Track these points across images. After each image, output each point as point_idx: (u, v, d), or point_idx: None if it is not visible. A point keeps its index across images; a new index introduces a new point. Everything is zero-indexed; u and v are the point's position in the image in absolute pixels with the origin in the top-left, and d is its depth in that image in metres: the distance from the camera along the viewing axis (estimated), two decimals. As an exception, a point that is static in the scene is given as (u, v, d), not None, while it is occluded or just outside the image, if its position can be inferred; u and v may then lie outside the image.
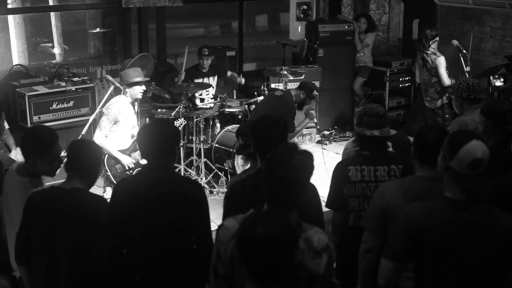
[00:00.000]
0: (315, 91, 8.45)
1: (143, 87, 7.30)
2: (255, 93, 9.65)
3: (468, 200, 3.42)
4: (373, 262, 4.20)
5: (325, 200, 4.76)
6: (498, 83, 8.84)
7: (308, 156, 3.35)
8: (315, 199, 4.17)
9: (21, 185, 4.51)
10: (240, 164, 8.67)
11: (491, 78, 7.06)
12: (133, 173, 6.98)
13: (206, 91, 9.70)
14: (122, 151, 7.05)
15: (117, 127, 7.06)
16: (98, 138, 7.05)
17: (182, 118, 8.45)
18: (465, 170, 3.39)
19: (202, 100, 9.71)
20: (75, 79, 9.00)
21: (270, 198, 3.31)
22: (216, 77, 9.81)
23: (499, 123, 5.25)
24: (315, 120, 8.73)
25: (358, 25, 11.43)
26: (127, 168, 6.99)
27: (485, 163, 3.39)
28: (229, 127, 9.19)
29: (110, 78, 7.45)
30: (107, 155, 7.10)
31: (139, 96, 7.29)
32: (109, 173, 7.08)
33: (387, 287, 3.61)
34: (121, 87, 7.23)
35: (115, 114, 7.00)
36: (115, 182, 7.00)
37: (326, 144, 10.40)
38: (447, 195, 3.51)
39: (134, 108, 7.35)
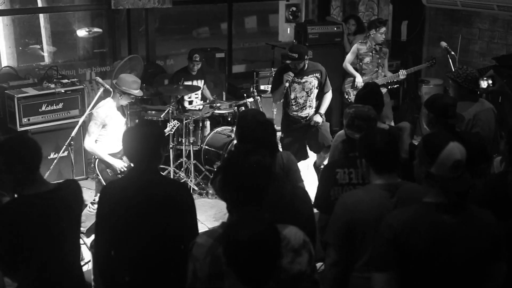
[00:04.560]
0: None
1: (133, 99, 7.31)
2: (245, 94, 9.66)
3: (449, 203, 3.43)
4: (339, 275, 4.12)
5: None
6: (486, 84, 8.89)
7: (263, 154, 3.39)
8: (304, 205, 4.17)
9: None
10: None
11: (479, 80, 7.10)
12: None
13: (195, 93, 9.70)
14: (113, 155, 7.02)
15: (105, 130, 7.02)
16: (88, 143, 7.02)
17: (175, 121, 8.43)
18: (446, 173, 3.41)
19: (190, 102, 9.71)
20: (65, 81, 8.99)
21: (237, 203, 3.32)
22: (203, 81, 9.83)
23: (440, 116, 5.37)
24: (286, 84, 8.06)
25: (347, 27, 11.44)
26: (119, 171, 6.95)
27: (464, 163, 3.42)
28: (219, 129, 9.21)
29: (99, 80, 7.43)
30: (97, 159, 7.08)
31: (125, 104, 7.27)
32: (100, 177, 7.04)
33: None
34: (110, 89, 7.22)
35: (102, 118, 6.96)
36: (104, 185, 6.95)
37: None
38: (427, 200, 3.50)
39: (124, 110, 7.30)
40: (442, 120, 5.37)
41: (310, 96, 8.16)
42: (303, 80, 8.09)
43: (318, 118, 8.21)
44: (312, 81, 8.09)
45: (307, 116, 8.23)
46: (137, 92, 7.18)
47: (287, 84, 8.03)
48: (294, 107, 8.17)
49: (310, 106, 8.23)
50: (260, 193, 3.33)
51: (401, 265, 3.40)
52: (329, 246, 4.20)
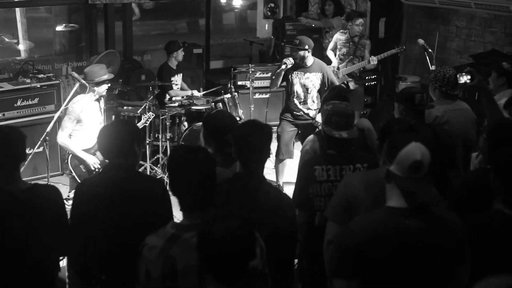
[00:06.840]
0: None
1: (109, 84, 7.24)
2: (222, 91, 9.62)
3: (411, 207, 3.31)
4: None
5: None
6: (465, 79, 8.86)
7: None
8: (290, 210, 4.15)
9: None
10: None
11: (458, 75, 7.07)
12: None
13: (177, 87, 9.70)
14: (87, 150, 6.96)
15: (80, 126, 6.95)
16: (61, 138, 6.94)
17: (150, 112, 8.36)
18: (405, 173, 3.29)
19: (170, 98, 9.66)
20: (40, 75, 8.92)
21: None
22: (181, 75, 9.82)
23: (408, 104, 5.39)
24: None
25: (325, 9, 11.45)
26: (92, 168, 6.89)
27: (425, 166, 3.28)
28: (196, 125, 9.17)
29: (75, 75, 7.36)
30: (71, 155, 7.00)
31: (105, 93, 7.22)
32: (74, 174, 6.96)
33: None
34: (86, 84, 7.15)
35: (76, 113, 6.90)
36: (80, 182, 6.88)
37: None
38: (389, 204, 3.39)
39: (100, 105, 7.24)
40: (411, 107, 5.37)
41: (309, 94, 8.10)
42: (305, 76, 8.08)
43: (320, 119, 8.01)
44: (314, 79, 8.05)
45: (307, 114, 8.12)
46: (108, 76, 7.17)
47: (283, 66, 8.02)
48: (295, 100, 8.14)
49: (309, 103, 8.14)
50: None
51: (363, 272, 3.28)
52: (328, 221, 4.27)
